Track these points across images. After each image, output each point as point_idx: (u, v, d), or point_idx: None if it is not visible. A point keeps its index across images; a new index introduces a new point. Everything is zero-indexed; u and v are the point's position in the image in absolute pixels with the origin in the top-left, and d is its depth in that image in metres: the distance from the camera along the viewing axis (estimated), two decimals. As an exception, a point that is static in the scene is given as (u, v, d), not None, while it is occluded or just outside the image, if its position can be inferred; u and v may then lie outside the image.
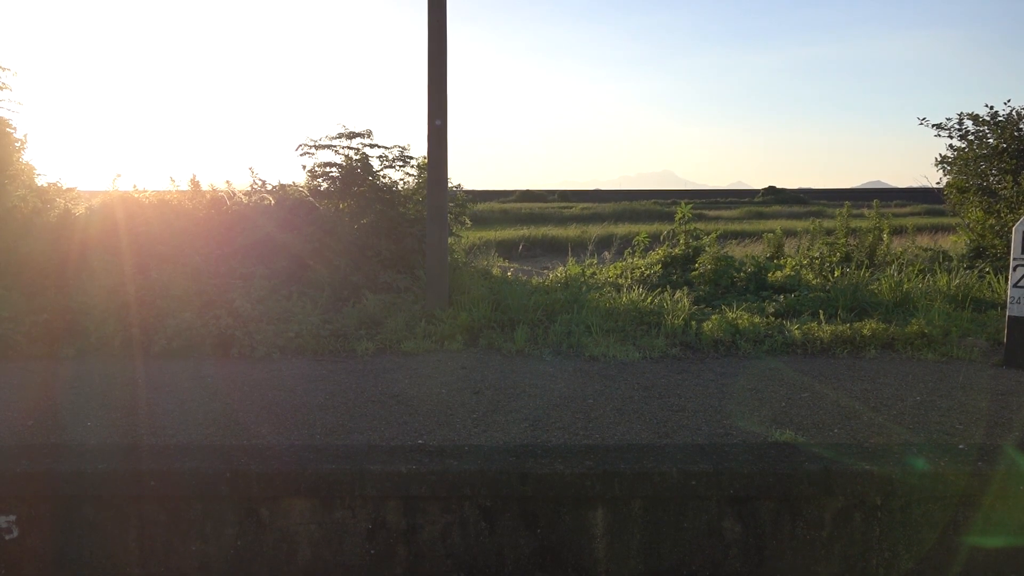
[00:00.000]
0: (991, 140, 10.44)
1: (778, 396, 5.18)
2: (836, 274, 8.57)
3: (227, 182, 9.52)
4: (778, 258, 10.19)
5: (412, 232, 9.00)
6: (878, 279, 8.27)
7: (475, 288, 7.82)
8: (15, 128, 8.75)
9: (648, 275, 9.20)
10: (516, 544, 4.09)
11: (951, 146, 10.91)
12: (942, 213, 21.03)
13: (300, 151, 9.56)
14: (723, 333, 6.68)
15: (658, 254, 9.68)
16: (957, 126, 10.82)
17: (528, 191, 51.60)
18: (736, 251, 10.96)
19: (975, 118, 10.64)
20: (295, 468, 4.02)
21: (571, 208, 35.75)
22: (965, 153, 10.68)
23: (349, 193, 9.37)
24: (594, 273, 9.32)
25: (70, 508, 4.12)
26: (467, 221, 10.34)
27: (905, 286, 7.99)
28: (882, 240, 10.24)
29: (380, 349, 6.66)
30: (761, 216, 31.05)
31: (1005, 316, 6.05)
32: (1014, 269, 5.83)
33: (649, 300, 7.77)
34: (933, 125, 11.05)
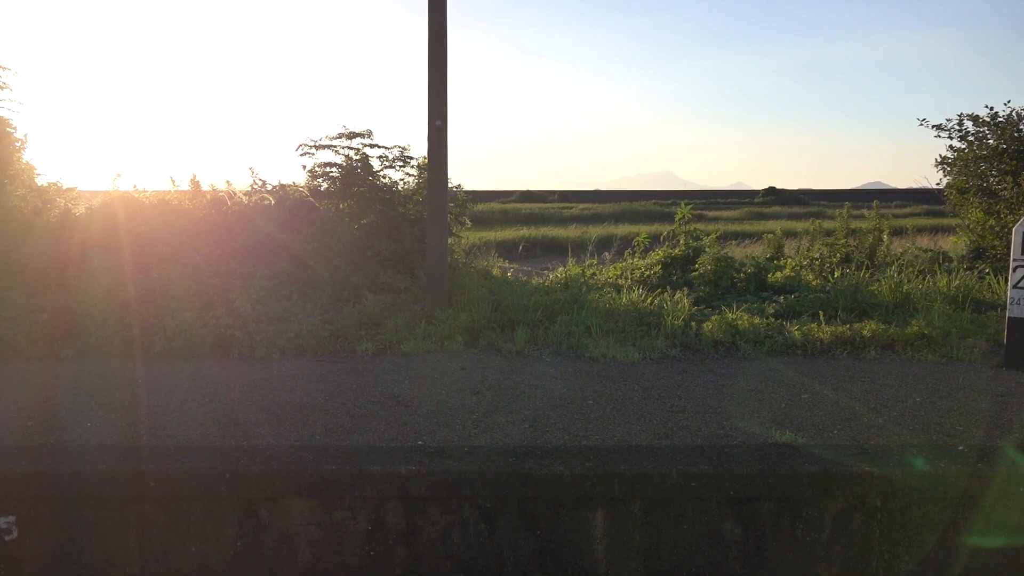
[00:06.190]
0: (991, 141, 10.43)
1: (778, 397, 5.18)
2: (836, 275, 8.56)
3: (227, 182, 9.53)
4: (778, 259, 10.18)
5: (412, 232, 9.00)
6: (878, 280, 8.27)
7: (475, 288, 7.82)
8: (15, 128, 8.76)
9: (648, 276, 9.19)
10: (516, 545, 4.09)
11: (951, 147, 10.90)
12: (942, 214, 21.03)
13: (300, 151, 9.57)
14: (723, 334, 6.69)
15: (658, 255, 9.68)
16: (957, 127, 10.81)
17: (528, 191, 51.57)
18: (736, 252, 10.95)
19: (975, 119, 10.63)
20: (295, 469, 4.02)
21: (571, 208, 35.73)
22: (965, 154, 10.67)
23: (349, 193, 9.37)
24: (594, 274, 9.31)
25: (70, 509, 4.12)
26: (467, 221, 10.33)
27: (905, 287, 7.99)
28: (882, 241, 10.24)
29: (380, 350, 6.65)
30: (761, 217, 31.03)
31: (1005, 317, 6.04)
32: (1014, 270, 5.83)
33: (649, 301, 7.76)
34: (933, 126, 11.04)
